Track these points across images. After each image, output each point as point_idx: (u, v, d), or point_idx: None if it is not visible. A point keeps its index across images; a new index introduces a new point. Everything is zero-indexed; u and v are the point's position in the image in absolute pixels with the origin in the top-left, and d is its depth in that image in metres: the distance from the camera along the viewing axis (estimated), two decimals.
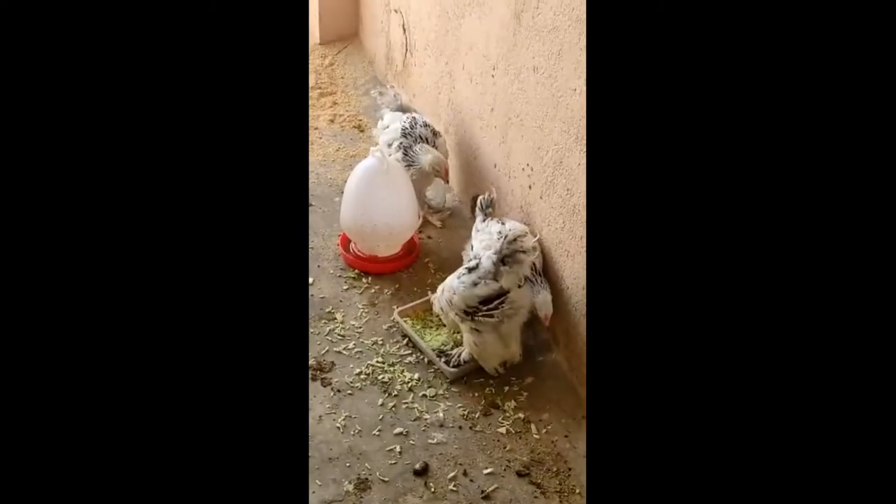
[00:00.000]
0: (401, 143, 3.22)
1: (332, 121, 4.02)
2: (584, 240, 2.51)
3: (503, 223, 2.70)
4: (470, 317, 2.63)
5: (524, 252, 2.57)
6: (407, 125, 3.25)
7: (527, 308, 2.66)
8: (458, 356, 2.76)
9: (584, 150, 2.43)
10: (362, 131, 3.98)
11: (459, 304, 2.63)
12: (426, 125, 3.27)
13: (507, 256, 2.57)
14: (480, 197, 2.78)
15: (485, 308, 2.60)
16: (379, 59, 4.24)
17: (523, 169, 2.83)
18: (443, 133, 3.33)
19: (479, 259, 2.62)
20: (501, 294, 2.59)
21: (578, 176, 2.48)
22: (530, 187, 2.80)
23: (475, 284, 2.60)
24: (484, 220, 2.78)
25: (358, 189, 3.06)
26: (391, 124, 3.32)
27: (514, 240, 2.57)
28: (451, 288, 2.65)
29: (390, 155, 3.20)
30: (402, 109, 3.39)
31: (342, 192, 3.19)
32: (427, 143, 3.22)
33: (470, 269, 2.63)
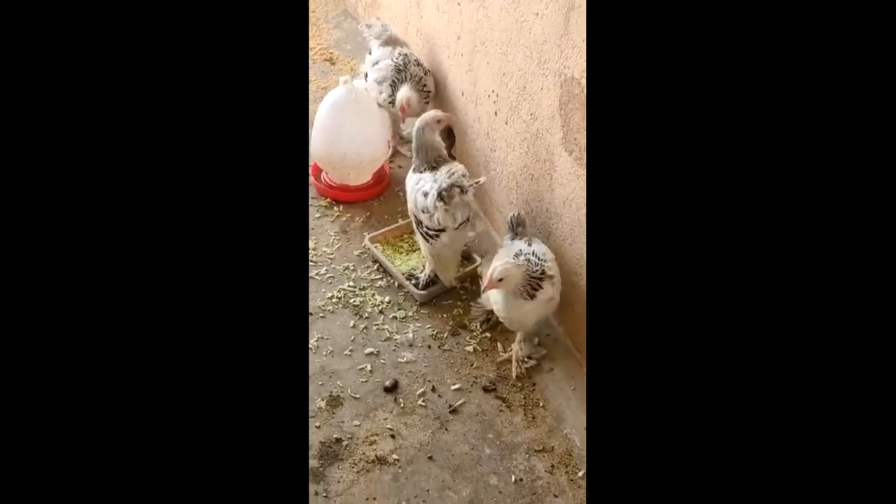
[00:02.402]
0: (393, 80, 3.23)
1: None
2: (547, 163, 2.57)
3: (530, 244, 2.52)
4: (417, 225, 2.74)
5: (461, 189, 2.58)
6: (400, 62, 3.24)
7: (461, 244, 2.76)
8: (425, 276, 2.85)
9: (546, 73, 2.48)
10: (334, 64, 4.00)
11: (412, 209, 2.74)
12: (419, 63, 3.25)
13: (445, 191, 2.58)
14: (510, 215, 2.60)
15: (423, 229, 2.69)
16: None
17: (489, 96, 2.87)
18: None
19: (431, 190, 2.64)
20: (440, 230, 2.65)
21: (541, 100, 2.53)
22: (496, 113, 2.85)
23: (423, 211, 2.65)
24: (512, 240, 2.58)
25: (328, 118, 3.10)
26: (381, 60, 3.30)
27: (453, 174, 2.60)
28: (413, 190, 2.71)
29: (381, 93, 3.23)
30: (391, 42, 3.36)
31: (313, 123, 3.22)
32: (420, 81, 3.22)
33: (425, 194, 2.65)
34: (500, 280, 2.37)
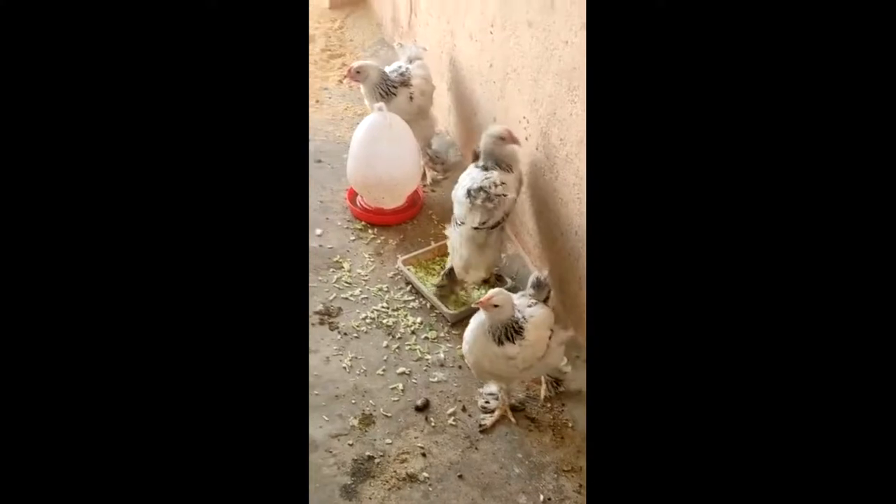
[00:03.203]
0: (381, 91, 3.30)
1: (340, 81, 4.13)
2: (577, 187, 2.62)
3: (530, 305, 2.47)
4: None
5: (487, 196, 2.73)
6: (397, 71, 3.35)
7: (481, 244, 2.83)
8: (445, 269, 2.96)
9: (575, 100, 2.53)
10: None
11: (453, 193, 2.91)
12: (403, 74, 3.32)
13: (474, 190, 2.76)
14: (533, 276, 2.57)
15: (454, 214, 2.86)
16: (386, 22, 4.34)
17: (520, 122, 2.93)
18: (442, 87, 3.42)
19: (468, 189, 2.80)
20: (462, 222, 2.80)
21: (570, 125, 2.59)
22: (526, 139, 2.91)
23: (455, 200, 2.85)
24: (526, 296, 2.54)
25: (363, 143, 3.18)
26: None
27: (486, 179, 2.77)
28: (462, 177, 2.89)
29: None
30: (413, 59, 3.45)
31: (349, 150, 3.30)
32: (386, 85, 3.27)
33: (464, 187, 2.82)
34: (496, 306, 2.33)
